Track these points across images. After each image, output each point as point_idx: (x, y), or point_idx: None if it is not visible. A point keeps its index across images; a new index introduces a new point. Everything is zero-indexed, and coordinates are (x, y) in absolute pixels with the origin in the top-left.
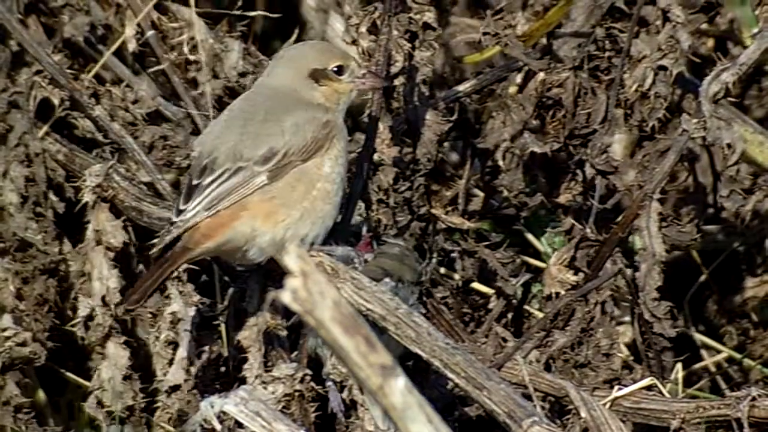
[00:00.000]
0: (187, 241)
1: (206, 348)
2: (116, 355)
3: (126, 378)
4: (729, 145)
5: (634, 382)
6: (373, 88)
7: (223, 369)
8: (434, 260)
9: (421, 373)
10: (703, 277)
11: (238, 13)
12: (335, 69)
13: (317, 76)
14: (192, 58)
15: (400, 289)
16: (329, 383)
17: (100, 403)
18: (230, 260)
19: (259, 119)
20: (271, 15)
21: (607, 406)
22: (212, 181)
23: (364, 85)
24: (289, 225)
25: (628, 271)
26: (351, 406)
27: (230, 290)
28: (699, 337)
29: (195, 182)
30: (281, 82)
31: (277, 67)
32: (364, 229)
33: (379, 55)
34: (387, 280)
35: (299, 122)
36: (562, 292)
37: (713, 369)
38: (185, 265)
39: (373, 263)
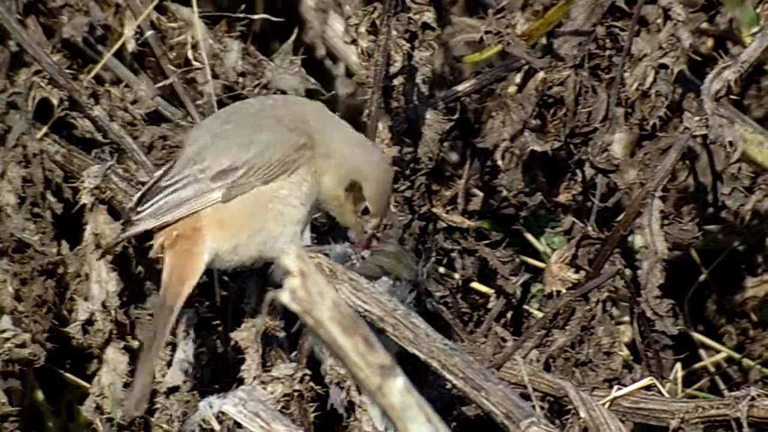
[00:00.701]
0: (166, 296)
1: (205, 348)
2: (116, 361)
3: (126, 385)
4: (731, 143)
5: (634, 381)
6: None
7: (221, 369)
8: (432, 260)
9: (420, 373)
10: (702, 277)
11: (241, 15)
12: (366, 209)
13: (353, 189)
14: (191, 57)
15: (398, 287)
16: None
17: (98, 409)
18: None
19: (231, 128)
20: (272, 18)
21: (606, 405)
22: (167, 186)
23: (351, 245)
24: (238, 244)
25: (627, 271)
26: (349, 407)
27: (229, 290)
28: (698, 337)
29: (156, 181)
30: (306, 117)
31: (337, 123)
32: None
33: (378, 55)
34: (385, 278)
35: (270, 141)
36: (563, 291)
37: (712, 369)
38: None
39: (371, 260)
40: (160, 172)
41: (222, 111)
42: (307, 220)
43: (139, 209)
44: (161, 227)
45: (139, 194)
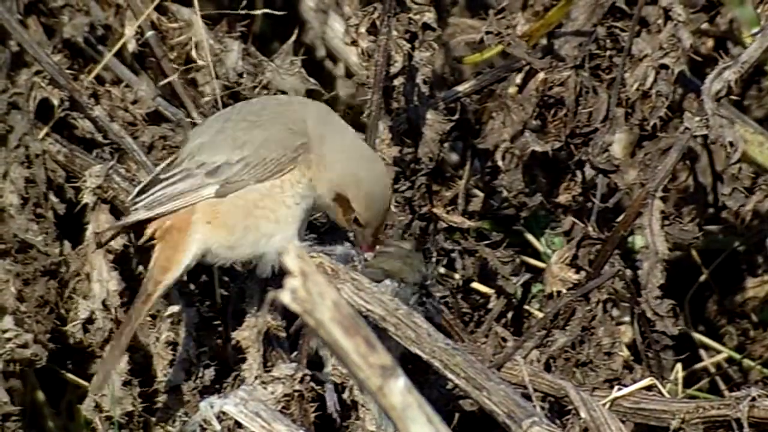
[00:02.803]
0: (147, 284)
1: (206, 348)
2: None
3: (126, 384)
4: (731, 143)
5: (634, 382)
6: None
7: (223, 369)
8: (435, 261)
9: (421, 373)
10: (703, 277)
11: (242, 12)
12: (356, 218)
13: (341, 200)
14: (192, 57)
15: (402, 289)
16: (328, 384)
17: (98, 407)
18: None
19: (231, 126)
20: (275, 12)
21: (607, 406)
22: (165, 179)
23: (354, 247)
24: (234, 242)
25: (628, 272)
26: (352, 407)
27: (230, 290)
28: (699, 338)
29: (157, 174)
30: (306, 124)
31: (336, 128)
32: None
33: (378, 55)
34: (387, 282)
35: (266, 139)
36: (564, 291)
37: (713, 369)
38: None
39: (375, 263)
40: (162, 166)
41: (226, 109)
42: (303, 219)
43: (136, 200)
44: (153, 218)
45: (140, 186)
